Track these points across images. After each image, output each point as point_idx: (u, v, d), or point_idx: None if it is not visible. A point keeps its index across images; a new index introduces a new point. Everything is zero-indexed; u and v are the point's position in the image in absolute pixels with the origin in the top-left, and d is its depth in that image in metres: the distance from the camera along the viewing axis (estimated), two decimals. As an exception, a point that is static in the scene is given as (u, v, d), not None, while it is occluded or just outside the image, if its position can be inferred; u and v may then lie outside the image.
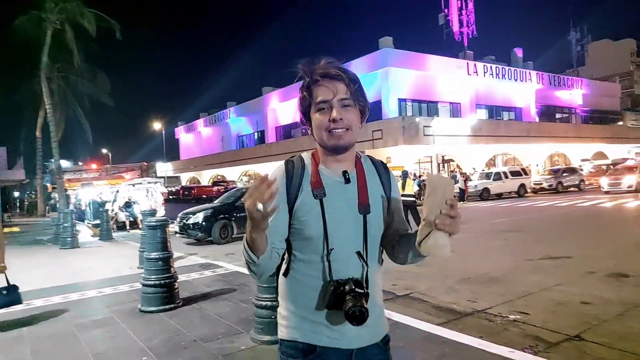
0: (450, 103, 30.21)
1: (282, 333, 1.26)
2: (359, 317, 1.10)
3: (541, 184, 24.41)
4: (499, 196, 22.66)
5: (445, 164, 29.55)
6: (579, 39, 48.56)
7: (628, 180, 19.54)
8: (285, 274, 1.24)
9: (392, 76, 26.69)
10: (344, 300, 1.12)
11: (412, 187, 10.12)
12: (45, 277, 6.91)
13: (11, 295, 4.15)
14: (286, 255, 1.25)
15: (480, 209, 16.99)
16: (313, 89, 1.22)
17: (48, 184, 31.09)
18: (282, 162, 1.28)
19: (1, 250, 4.15)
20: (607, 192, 19.76)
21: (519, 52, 37.80)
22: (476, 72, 30.07)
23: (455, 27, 32.92)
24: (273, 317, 3.50)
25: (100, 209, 13.95)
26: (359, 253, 1.20)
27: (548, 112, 36.92)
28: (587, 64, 49.07)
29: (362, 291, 1.14)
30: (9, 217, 23.89)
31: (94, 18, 20.14)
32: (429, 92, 28.89)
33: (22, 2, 19.68)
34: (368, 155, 1.36)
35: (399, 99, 27.33)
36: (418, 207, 10.34)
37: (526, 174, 24.47)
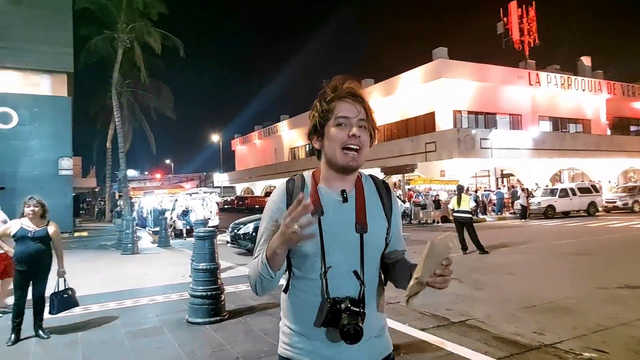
0: (510, 115, 28.76)
1: (281, 349, 1.26)
2: (353, 335, 1.11)
3: (614, 202, 22.41)
4: (566, 215, 21.07)
5: (504, 179, 28.07)
6: (657, 45, 44.75)
7: None
8: (286, 291, 1.27)
9: (446, 87, 25.91)
10: (340, 318, 1.13)
11: (468, 203, 9.56)
12: (104, 282, 7.22)
13: (68, 299, 4.32)
14: (286, 273, 1.27)
15: (544, 228, 15.84)
16: (336, 103, 1.23)
17: (115, 192, 33.23)
18: (283, 182, 1.30)
19: (61, 256, 4.34)
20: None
21: (586, 61, 35.34)
22: (538, 82, 28.47)
23: (516, 35, 31.38)
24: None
25: (160, 217, 14.55)
26: (355, 272, 1.21)
27: (621, 125, 34.10)
28: (668, 72, 45.10)
29: (358, 310, 1.15)
30: (80, 222, 25.69)
31: (160, 36, 21.41)
32: (487, 103, 27.71)
33: (97, 23, 21.32)
34: (370, 175, 1.37)
35: (454, 110, 26.45)
36: (475, 224, 9.78)
37: (597, 191, 22.55)
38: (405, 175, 25.12)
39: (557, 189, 21.93)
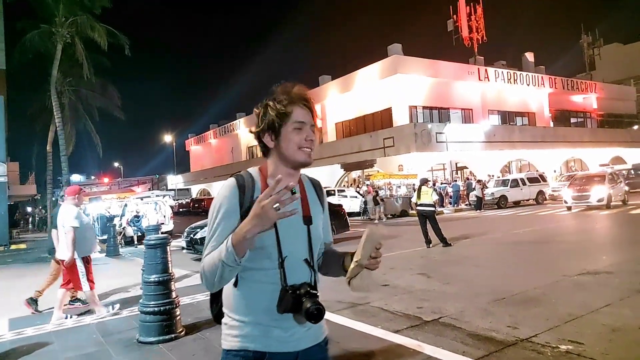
0: (462, 109, 29.63)
1: (231, 343, 1.30)
2: (316, 315, 1.20)
3: (559, 190, 23.60)
4: (517, 204, 21.93)
5: (459, 171, 28.87)
6: (590, 42, 47.63)
7: (597, 193, 16.03)
8: (236, 284, 1.29)
9: (401, 83, 26.23)
10: (301, 302, 1.21)
11: (430, 196, 9.50)
12: (42, 300, 6.45)
13: None
14: None
15: (500, 217, 16.31)
16: (293, 108, 1.31)
17: (58, 199, 31.01)
18: (232, 178, 1.34)
19: None
20: (569, 208, 16.58)
21: (530, 57, 37.11)
22: (487, 78, 29.50)
23: (465, 32, 32.37)
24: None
25: (108, 224, 13.58)
26: (306, 260, 1.32)
27: (562, 117, 36.08)
28: (598, 68, 48.12)
29: (316, 292, 1.25)
30: (18, 233, 23.72)
31: (105, 32, 20.08)
32: (440, 98, 28.36)
33: (33, 16, 19.68)
34: (306, 175, 1.47)
35: (409, 106, 26.83)
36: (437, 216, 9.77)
37: (544, 180, 23.67)
38: (365, 170, 25.20)
39: (508, 179, 22.79)
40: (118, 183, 48.90)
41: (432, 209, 9.50)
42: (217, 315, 1.40)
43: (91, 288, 5.22)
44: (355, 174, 28.58)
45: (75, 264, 5.09)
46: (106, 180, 49.88)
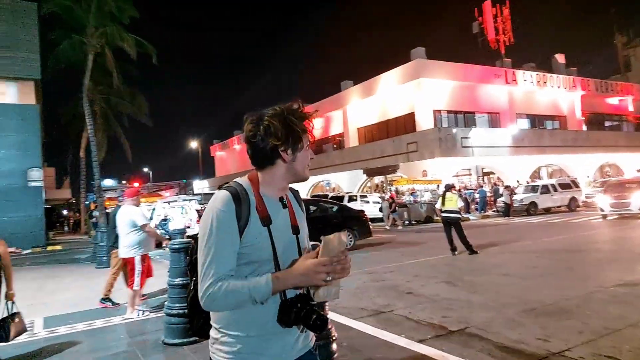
0: (489, 113, 29.00)
1: (223, 357, 1.28)
2: (320, 325, 1.22)
3: (593, 197, 22.72)
4: (547, 211, 21.22)
5: (485, 177, 28.23)
6: (625, 42, 45.86)
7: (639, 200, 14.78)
8: None
9: (425, 87, 25.92)
10: (305, 314, 1.22)
11: (455, 202, 9.31)
12: (75, 300, 6.68)
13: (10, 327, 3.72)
14: None
15: (529, 225, 15.83)
16: (308, 128, 1.36)
17: (91, 202, 32.14)
18: (223, 190, 1.32)
19: (10, 277, 3.82)
20: (605, 216, 15.54)
21: (560, 58, 36.04)
22: (515, 80, 28.80)
23: (491, 34, 31.75)
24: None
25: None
26: None
27: (596, 120, 34.83)
28: (634, 69, 46.27)
29: (314, 303, 1.25)
30: (54, 235, 24.64)
31: (134, 42, 20.68)
32: (465, 102, 27.86)
33: (65, 27, 20.44)
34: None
35: (433, 110, 26.47)
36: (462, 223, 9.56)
37: (577, 186, 22.78)
38: (388, 176, 24.97)
39: (538, 185, 22.08)
40: (147, 187, 50.14)
41: (457, 215, 9.31)
42: (200, 330, 1.39)
43: (141, 287, 5.39)
44: (377, 179, 28.36)
45: (134, 260, 5.31)
46: (136, 185, 51.21)
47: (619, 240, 10.50)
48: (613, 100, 35.43)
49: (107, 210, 23.92)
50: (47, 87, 22.31)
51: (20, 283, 3.92)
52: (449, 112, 27.34)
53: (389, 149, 25.92)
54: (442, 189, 22.36)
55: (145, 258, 5.44)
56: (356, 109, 31.33)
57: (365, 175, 26.33)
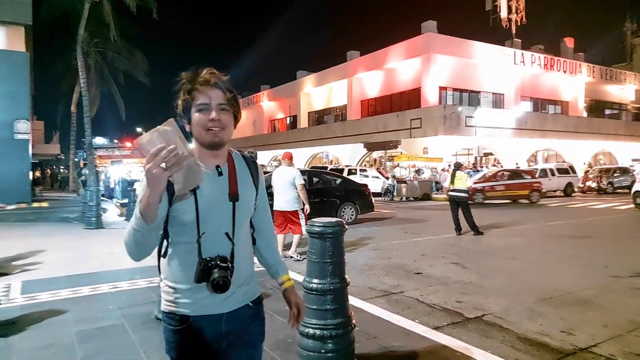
0: (493, 94, 28.42)
1: (164, 306, 1.43)
2: (222, 286, 1.30)
3: (591, 183, 22.62)
4: (543, 195, 21.07)
5: (483, 158, 27.92)
6: (635, 30, 44.85)
7: None
8: (164, 255, 1.40)
9: (433, 63, 25.16)
10: (211, 274, 1.31)
11: (465, 181, 8.97)
12: (61, 263, 6.28)
13: None
14: (164, 241, 1.39)
15: (529, 208, 15.62)
16: (195, 92, 1.38)
17: (80, 160, 31.37)
18: None
19: None
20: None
21: (569, 42, 35.18)
22: (523, 62, 28.10)
23: (504, 13, 30.77)
24: (322, 351, 2.66)
25: (129, 188, 13.43)
26: (227, 234, 1.40)
27: (597, 108, 34.40)
28: (635, 58, 45.41)
29: (226, 265, 1.34)
30: (41, 191, 24.01)
31: (133, -7, 19.53)
32: (471, 81, 27.20)
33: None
34: (240, 152, 1.56)
35: (440, 87, 25.81)
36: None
37: (574, 172, 22.65)
38: (388, 151, 24.55)
39: (537, 169, 21.87)
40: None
41: (466, 194, 8.99)
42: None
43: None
44: (376, 154, 27.93)
45: (298, 212, 6.44)
46: (128, 144, 50.30)
47: (623, 228, 10.27)
48: (615, 89, 34.93)
49: (97, 169, 23.32)
50: (39, 35, 21.11)
51: (2, 241, 3.49)
52: (454, 89, 26.70)
53: (392, 124, 25.36)
54: (441, 168, 22.17)
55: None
56: (361, 80, 30.51)
57: (365, 149, 25.87)
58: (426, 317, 4.08)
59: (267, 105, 42.43)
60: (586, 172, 24.63)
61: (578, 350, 3.36)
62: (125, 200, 13.60)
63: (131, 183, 14.75)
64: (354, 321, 2.81)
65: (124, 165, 22.03)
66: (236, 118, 1.44)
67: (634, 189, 14.70)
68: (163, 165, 1.14)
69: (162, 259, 1.41)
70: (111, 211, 14.16)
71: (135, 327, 3.69)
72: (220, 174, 1.41)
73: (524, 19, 30.65)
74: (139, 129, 60.51)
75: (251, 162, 1.53)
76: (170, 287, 1.39)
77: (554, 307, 4.39)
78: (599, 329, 3.78)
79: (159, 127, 1.18)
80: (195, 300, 1.36)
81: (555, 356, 3.26)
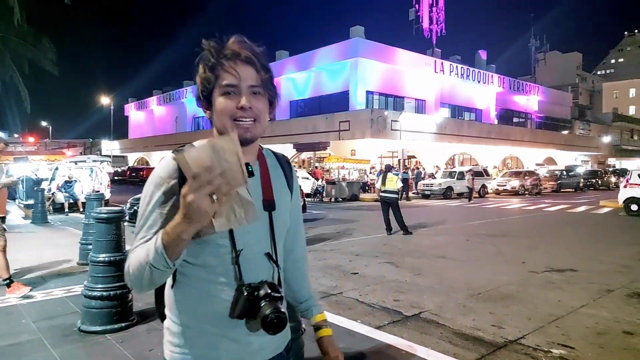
0: (416, 99, 30.04)
1: (173, 354, 1.05)
2: (277, 324, 0.96)
3: (504, 185, 24.75)
4: (460, 195, 22.67)
5: (406, 161, 29.38)
6: (538, 47, 50.32)
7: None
8: (173, 284, 1.06)
9: (361, 67, 25.96)
10: (259, 306, 0.98)
11: (395, 183, 9.33)
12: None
13: None
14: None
15: (450, 208, 16.70)
16: (220, 70, 1.04)
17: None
18: (170, 154, 1.01)
19: None
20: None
21: (483, 55, 38.40)
22: (442, 71, 30.05)
23: (425, 23, 32.73)
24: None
25: (35, 188, 12.12)
26: (268, 254, 1.08)
27: (506, 116, 37.87)
28: (538, 72, 51.09)
29: (278, 295, 1.00)
30: None
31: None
32: (396, 86, 28.50)
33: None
34: (271, 150, 1.21)
35: (367, 91, 26.67)
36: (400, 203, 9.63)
37: (487, 174, 24.70)
38: (317, 152, 24.81)
39: (455, 171, 23.48)
40: (45, 144, 44.92)
41: (396, 196, 9.34)
42: (163, 315, 1.13)
43: None
44: (304, 155, 28.13)
45: None
46: (32, 139, 45.58)
47: (536, 227, 11.35)
48: (521, 99, 38.73)
49: (-4, 166, 20.68)
50: None
51: None
52: (380, 94, 27.75)
53: (321, 125, 25.68)
54: (368, 169, 22.90)
55: None
56: (290, 81, 30.51)
57: (295, 150, 25.92)
58: (367, 317, 4.13)
59: (192, 101, 40.77)
60: (505, 174, 26.91)
61: (508, 342, 3.61)
62: (31, 202, 12.27)
63: (38, 182, 13.34)
64: (303, 325, 2.74)
65: (29, 163, 19.82)
66: (272, 104, 1.11)
67: (624, 195, 14.25)
68: (214, 196, 0.86)
69: (169, 289, 1.09)
70: (14, 213, 12.70)
71: (55, 342, 3.28)
72: (251, 174, 1.06)
73: (443, 30, 32.82)
74: (44, 123, 54.99)
75: (285, 162, 1.22)
76: (181, 325, 1.06)
77: (483, 302, 4.69)
78: (524, 321, 4.10)
79: (214, 140, 0.88)
80: (219, 346, 1.04)
81: (489, 349, 3.46)
